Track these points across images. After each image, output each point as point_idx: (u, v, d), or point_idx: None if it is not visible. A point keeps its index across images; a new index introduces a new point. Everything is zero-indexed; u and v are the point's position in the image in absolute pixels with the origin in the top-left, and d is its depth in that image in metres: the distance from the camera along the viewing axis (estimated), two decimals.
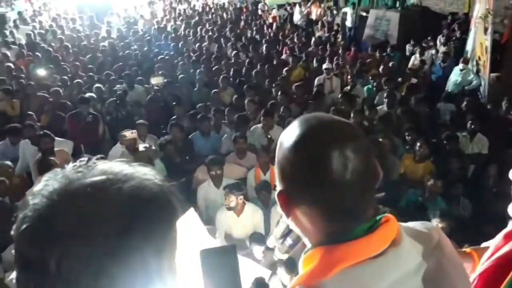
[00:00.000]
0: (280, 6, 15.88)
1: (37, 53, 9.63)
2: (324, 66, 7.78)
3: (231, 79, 7.68)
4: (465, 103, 6.14)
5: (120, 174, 0.59)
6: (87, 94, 6.58)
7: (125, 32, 12.40)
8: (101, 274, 0.53)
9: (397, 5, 11.72)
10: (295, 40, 11.11)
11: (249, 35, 11.98)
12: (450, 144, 4.97)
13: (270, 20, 14.54)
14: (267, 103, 6.18)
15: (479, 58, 7.38)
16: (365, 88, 7.46)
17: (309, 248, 0.80)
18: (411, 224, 0.88)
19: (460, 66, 7.48)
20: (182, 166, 5.05)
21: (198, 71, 7.94)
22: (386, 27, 11.14)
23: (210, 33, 11.75)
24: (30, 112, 6.16)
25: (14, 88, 7.23)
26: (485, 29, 7.08)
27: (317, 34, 12.28)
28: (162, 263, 0.59)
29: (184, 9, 16.68)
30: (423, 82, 7.78)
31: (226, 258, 0.86)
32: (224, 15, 15.74)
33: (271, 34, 12.19)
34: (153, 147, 4.82)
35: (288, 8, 15.70)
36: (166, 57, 9.21)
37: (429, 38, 9.67)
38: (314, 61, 8.80)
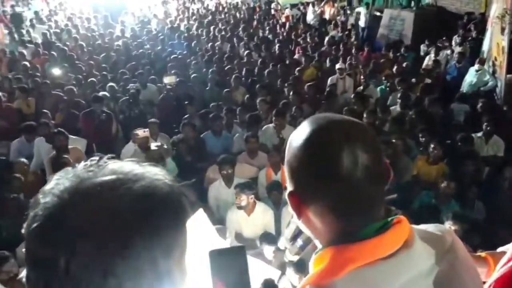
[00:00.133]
0: (293, 6, 15.83)
1: (52, 52, 9.76)
2: (337, 66, 7.74)
3: (243, 78, 7.69)
4: (480, 104, 6.04)
5: (131, 174, 0.59)
6: (101, 93, 6.64)
7: (138, 31, 12.50)
8: (109, 274, 0.53)
9: (412, 4, 11.59)
10: (308, 39, 11.07)
11: (261, 34, 11.96)
12: (464, 146, 4.89)
13: (283, 20, 14.51)
14: (279, 103, 6.17)
15: (496, 59, 7.26)
16: (379, 88, 7.40)
17: (320, 248, 0.80)
18: (423, 226, 0.87)
19: (476, 66, 7.36)
20: (193, 165, 5.07)
21: (210, 70, 7.97)
22: (400, 27, 11.03)
23: (223, 33, 11.78)
24: (45, 110, 6.24)
25: (29, 87, 7.34)
26: (502, 29, 6.96)
27: (331, 33, 12.21)
28: (172, 264, 0.58)
29: (198, 9, 16.75)
30: (436, 83, 7.68)
31: (235, 259, 0.85)
32: (237, 14, 15.76)
33: (284, 34, 12.16)
34: (165, 146, 4.85)
35: (301, 7, 15.65)
36: (179, 57, 9.25)
37: (444, 38, 9.53)
38: (327, 61, 8.75)
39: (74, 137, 5.18)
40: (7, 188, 4.26)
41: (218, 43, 10.82)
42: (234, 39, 11.22)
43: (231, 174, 4.34)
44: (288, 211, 0.83)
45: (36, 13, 14.50)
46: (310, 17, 14.49)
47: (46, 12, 15.62)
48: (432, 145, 4.68)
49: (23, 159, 4.92)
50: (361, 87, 7.42)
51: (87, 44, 10.69)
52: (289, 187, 0.80)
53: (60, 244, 0.53)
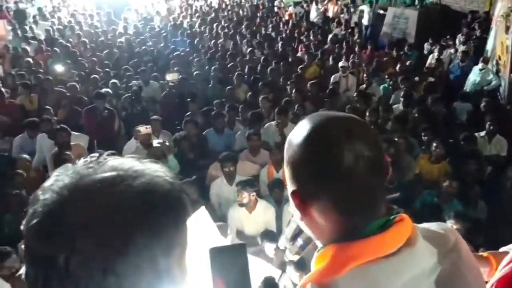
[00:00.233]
0: (296, 4, 15.79)
1: (55, 49, 9.78)
2: (340, 64, 7.72)
3: (245, 76, 7.68)
4: (484, 103, 6.01)
5: (131, 171, 0.59)
6: (103, 90, 6.65)
7: (141, 28, 12.49)
8: (108, 272, 0.53)
9: (416, 3, 11.53)
10: (311, 37, 11.04)
11: (263, 32, 11.92)
12: (467, 145, 4.87)
13: (286, 17, 14.47)
14: (281, 101, 6.16)
15: (500, 58, 7.22)
16: (381, 87, 7.38)
17: (321, 247, 0.80)
18: (426, 225, 0.87)
19: (480, 65, 7.32)
20: (195, 162, 5.08)
21: (213, 68, 7.96)
22: (404, 25, 10.98)
23: (226, 30, 11.76)
24: (47, 107, 6.26)
25: (32, 83, 7.35)
26: (507, 28, 6.92)
27: (334, 31, 12.17)
28: (172, 262, 0.58)
29: (201, 6, 16.72)
30: (439, 82, 7.65)
31: (236, 257, 0.85)
32: (240, 12, 15.73)
33: (287, 32, 12.13)
34: (167, 143, 4.85)
35: (305, 5, 15.60)
36: (182, 54, 9.25)
37: (448, 37, 9.49)
38: (330, 59, 8.73)
39: (76, 133, 5.19)
40: (9, 184, 4.28)
41: (220, 40, 10.80)
42: (237, 36, 11.20)
43: (233, 172, 4.34)
44: (289, 210, 0.83)
45: (39, 9, 14.51)
46: (313, 15, 14.45)
47: (50, 8, 15.63)
48: (434, 144, 4.67)
49: (26, 156, 4.93)
50: (364, 86, 7.40)
51: (90, 41, 10.70)
52: (291, 187, 0.80)
53: (59, 241, 0.53)
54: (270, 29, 12.45)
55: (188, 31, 11.76)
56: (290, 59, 8.92)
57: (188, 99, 6.35)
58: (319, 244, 0.82)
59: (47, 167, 4.96)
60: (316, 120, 0.79)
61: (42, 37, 11.39)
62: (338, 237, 0.76)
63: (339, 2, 14.88)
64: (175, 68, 7.80)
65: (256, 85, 7.13)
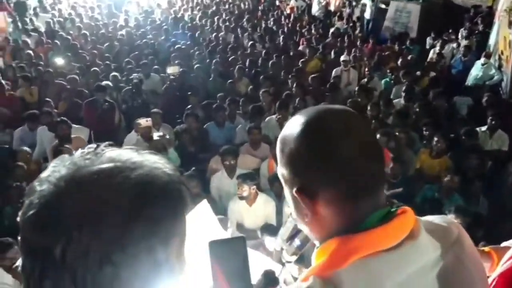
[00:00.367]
0: None
1: (56, 41, 9.74)
2: (342, 58, 7.69)
3: (247, 69, 7.65)
4: (485, 98, 6.00)
5: (129, 162, 0.58)
6: (104, 82, 6.63)
7: (142, 21, 12.44)
8: (105, 263, 0.53)
9: None
10: (313, 31, 10.99)
11: (263, 25, 11.85)
12: (469, 140, 4.86)
13: (288, 11, 14.40)
14: (282, 95, 6.14)
15: (502, 53, 7.19)
16: (383, 81, 7.35)
17: (322, 242, 0.79)
18: (429, 217, 0.86)
19: (482, 60, 7.29)
20: (196, 156, 5.08)
21: (214, 61, 7.93)
22: (406, 19, 10.93)
23: (227, 23, 11.71)
24: (48, 99, 6.25)
25: (33, 75, 7.34)
26: (510, 23, 6.89)
27: (336, 25, 12.12)
28: (170, 253, 0.58)
29: None
30: (441, 76, 7.62)
31: (235, 250, 0.85)
32: (242, 5, 15.66)
33: (289, 25, 12.08)
34: (167, 136, 4.84)
35: None
36: (183, 47, 9.21)
37: (450, 31, 9.44)
38: (332, 53, 8.69)
39: (77, 126, 5.19)
40: (10, 176, 4.28)
41: (222, 33, 10.76)
42: (238, 29, 11.15)
43: (233, 165, 4.34)
44: (286, 211, 0.82)
45: (39, 1, 14.45)
46: (315, 9, 14.38)
47: (50, 0, 15.55)
48: (435, 139, 4.66)
49: (26, 148, 4.93)
50: (365, 80, 7.37)
51: (91, 34, 10.65)
52: (294, 185, 0.78)
53: (56, 232, 0.53)
54: (271, 23, 12.39)
55: (189, 24, 11.71)
56: (291, 53, 8.89)
57: (189, 93, 6.33)
58: (317, 243, 0.81)
59: (48, 159, 4.96)
60: (310, 114, 0.79)
61: (42, 29, 11.34)
62: (341, 229, 0.75)
63: None
64: (176, 61, 7.77)
65: (257, 79, 7.11)
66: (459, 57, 8.16)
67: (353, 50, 8.72)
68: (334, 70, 7.59)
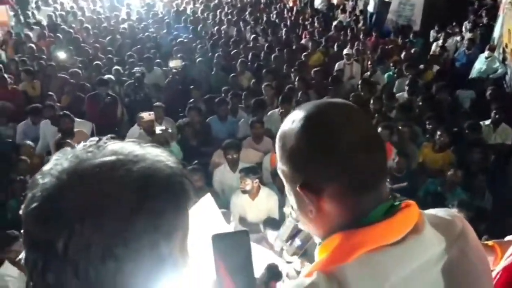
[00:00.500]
0: None
1: (58, 35, 9.73)
2: (345, 51, 7.65)
3: (249, 63, 7.63)
4: (489, 91, 5.96)
5: (131, 155, 0.58)
6: (106, 76, 6.63)
7: (144, 14, 12.40)
8: (108, 256, 0.53)
9: None
10: (316, 24, 10.92)
11: (265, 18, 11.78)
12: (472, 134, 4.84)
13: (291, 4, 14.32)
14: (285, 88, 6.12)
15: (506, 46, 7.14)
16: (386, 74, 7.32)
17: (325, 237, 0.78)
18: (433, 211, 0.85)
19: (486, 53, 7.24)
20: (198, 149, 5.08)
21: (216, 55, 7.91)
22: (409, 12, 10.85)
23: (230, 17, 11.66)
24: (50, 93, 6.25)
25: (35, 69, 7.33)
26: None
27: (339, 18, 12.04)
28: (173, 246, 0.58)
29: None
30: (444, 69, 7.58)
31: (238, 243, 0.85)
32: None
33: (291, 18, 12.01)
34: (169, 130, 4.84)
35: None
36: (185, 40, 9.18)
37: (454, 24, 9.37)
38: (335, 46, 8.65)
39: (79, 120, 5.19)
40: (13, 170, 4.30)
41: (224, 27, 10.71)
42: (241, 23, 11.10)
43: (236, 159, 4.34)
44: (285, 211, 0.82)
45: None
46: (318, 2, 14.28)
47: None
48: (438, 132, 4.64)
49: (29, 142, 4.94)
50: (368, 73, 7.34)
51: (93, 27, 10.62)
52: (297, 181, 0.77)
53: (58, 225, 0.52)
54: (274, 16, 12.33)
55: (191, 18, 11.66)
56: (294, 46, 8.85)
57: (191, 86, 6.32)
58: (318, 240, 0.81)
59: (51, 153, 4.97)
60: (310, 109, 0.79)
61: (44, 22, 11.31)
62: (345, 224, 0.75)
63: None
64: (178, 55, 7.75)
65: (259, 72, 7.08)
66: (462, 50, 8.11)
67: (356, 43, 8.68)
68: (337, 63, 7.56)
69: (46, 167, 0.58)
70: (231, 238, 0.87)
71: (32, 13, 12.33)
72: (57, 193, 0.54)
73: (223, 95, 6.06)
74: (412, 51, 8.24)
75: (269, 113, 5.49)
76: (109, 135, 0.62)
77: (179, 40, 9.12)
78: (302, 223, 0.84)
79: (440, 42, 8.75)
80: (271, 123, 5.31)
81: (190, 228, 0.63)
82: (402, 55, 7.89)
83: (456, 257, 0.76)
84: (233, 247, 0.85)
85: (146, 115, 4.78)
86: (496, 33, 7.59)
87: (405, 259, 0.72)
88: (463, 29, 9.21)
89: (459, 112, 5.81)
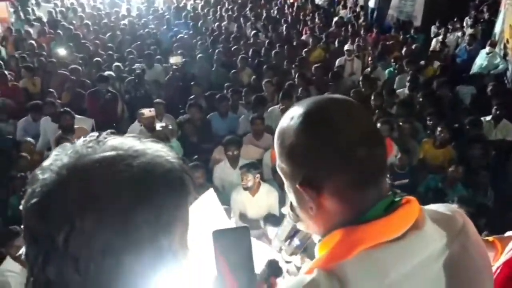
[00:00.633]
0: None
1: (58, 31, 9.71)
2: (346, 47, 7.63)
3: (249, 59, 7.61)
4: (490, 87, 5.95)
5: (131, 150, 0.58)
6: (106, 73, 6.62)
7: (144, 10, 12.37)
8: (108, 251, 0.53)
9: None
10: (316, 20, 10.89)
11: (265, 14, 11.74)
12: (473, 130, 4.83)
13: (291, 0, 14.26)
14: (285, 84, 6.11)
15: (508, 41, 7.12)
16: (387, 70, 7.30)
17: (325, 234, 0.78)
18: (434, 206, 0.85)
19: (487, 49, 7.22)
20: (199, 146, 5.08)
21: (216, 51, 7.89)
22: (410, 8, 10.81)
23: (230, 13, 11.62)
24: (51, 90, 6.24)
25: (35, 66, 7.32)
26: None
27: (340, 14, 12.01)
28: (173, 241, 0.58)
29: None
30: (445, 65, 7.55)
31: (239, 239, 0.85)
32: None
33: (292, 14, 11.98)
34: (170, 127, 4.84)
35: None
36: (185, 37, 9.16)
37: (455, 20, 9.34)
38: (336, 42, 8.62)
39: (80, 116, 5.19)
40: (14, 167, 4.30)
41: (224, 23, 10.68)
42: (241, 19, 11.07)
43: (236, 155, 4.34)
44: (283, 211, 0.81)
45: None
46: None
47: None
48: (439, 128, 4.63)
49: (30, 139, 4.94)
50: (369, 69, 7.32)
51: (93, 23, 10.61)
52: (297, 178, 0.77)
53: (58, 220, 0.53)
54: (274, 12, 12.29)
55: (192, 14, 11.63)
56: (294, 43, 8.82)
57: (192, 83, 6.31)
58: (317, 238, 0.80)
59: (51, 150, 4.97)
60: (308, 105, 0.78)
61: (45, 19, 11.29)
62: (345, 221, 0.75)
63: None
64: (179, 51, 7.73)
65: (260, 69, 7.07)
66: (464, 46, 8.08)
67: (357, 39, 8.65)
68: (338, 59, 7.54)
69: (46, 163, 0.58)
70: (231, 234, 0.87)
71: (32, 9, 12.30)
72: (57, 188, 0.54)
73: (225, 91, 6.06)
74: (413, 47, 8.21)
75: (270, 109, 5.49)
76: (109, 131, 0.62)
77: (179, 36, 9.10)
78: (302, 220, 0.83)
79: (440, 38, 8.72)
80: (272, 119, 5.30)
81: (192, 223, 0.63)
82: (403, 51, 7.87)
83: (457, 253, 0.76)
84: (233, 243, 0.85)
85: (147, 112, 4.77)
86: (497, 29, 7.56)
87: (406, 255, 0.72)
88: (464, 24, 9.18)
89: (460, 108, 5.80)
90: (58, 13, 11.96)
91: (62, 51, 8.17)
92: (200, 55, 7.81)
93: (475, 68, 7.33)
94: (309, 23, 10.76)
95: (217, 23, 10.57)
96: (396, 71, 7.15)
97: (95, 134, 0.61)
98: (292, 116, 0.78)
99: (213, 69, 7.49)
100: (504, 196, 4.16)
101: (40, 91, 6.77)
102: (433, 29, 9.61)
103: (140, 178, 0.56)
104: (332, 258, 0.72)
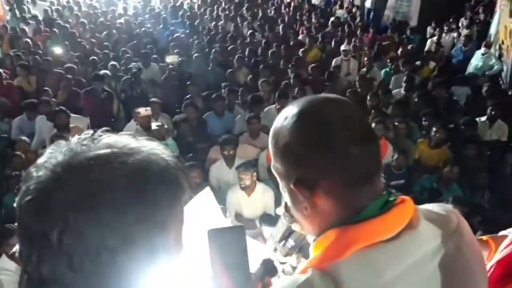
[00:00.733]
0: None
1: (54, 29, 9.66)
2: (342, 47, 7.64)
3: (246, 59, 7.61)
4: (485, 88, 5.98)
5: (126, 148, 0.58)
6: (102, 71, 6.59)
7: (141, 9, 12.33)
8: (102, 249, 0.53)
9: None
10: (313, 20, 10.90)
11: (261, 14, 11.74)
12: (468, 130, 4.86)
13: (288, 0, 14.27)
14: (282, 84, 6.12)
15: (503, 42, 7.16)
16: (383, 71, 7.32)
17: (320, 233, 0.78)
18: (428, 206, 0.85)
19: (482, 50, 7.26)
20: (195, 145, 5.07)
21: (213, 50, 7.88)
22: (407, 8, 10.86)
23: (227, 12, 11.61)
24: (46, 88, 6.21)
25: (30, 64, 7.29)
26: (511, 12, 6.84)
27: (336, 14, 12.03)
28: (167, 239, 0.58)
29: None
30: (442, 65, 7.59)
31: (234, 238, 0.85)
32: None
33: (289, 14, 11.99)
34: (165, 126, 4.83)
35: None
36: (181, 36, 9.14)
37: (451, 20, 9.38)
38: (333, 42, 8.64)
39: (75, 115, 5.17)
40: (8, 166, 4.28)
41: (221, 22, 10.67)
42: (238, 18, 11.06)
43: (233, 155, 4.34)
44: (278, 211, 0.82)
45: None
46: None
47: None
48: (434, 129, 4.65)
49: (25, 137, 4.91)
50: (365, 69, 7.35)
51: (89, 22, 10.56)
52: (292, 178, 0.77)
53: (52, 218, 0.53)
54: (271, 12, 12.29)
55: (188, 13, 11.61)
56: (291, 42, 8.83)
57: (188, 82, 6.29)
58: (311, 238, 0.80)
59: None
60: (302, 105, 0.78)
61: (40, 17, 11.23)
62: (339, 220, 0.75)
63: None
64: (175, 51, 7.72)
65: (256, 68, 7.07)
66: (459, 47, 8.12)
67: (353, 39, 8.67)
68: (334, 59, 7.55)
69: (40, 160, 0.58)
70: (227, 233, 0.87)
71: (28, 7, 12.23)
72: (52, 186, 0.54)
73: (223, 91, 6.05)
74: (409, 47, 8.24)
75: (266, 109, 5.49)
76: (104, 128, 0.62)
77: (176, 35, 9.09)
78: (297, 220, 0.83)
79: (435, 38, 8.76)
80: (268, 119, 5.30)
81: (187, 221, 0.63)
82: (399, 52, 7.90)
83: (452, 252, 0.76)
84: (229, 242, 0.85)
85: (143, 111, 4.76)
86: (492, 30, 7.61)
87: (400, 255, 0.72)
88: (460, 25, 9.22)
89: (455, 108, 5.83)
90: (54, 11, 11.89)
91: (57, 50, 8.13)
92: (196, 54, 7.79)
93: (470, 68, 7.37)
94: (305, 23, 10.77)
95: (213, 23, 10.56)
96: (392, 71, 7.17)
97: (90, 132, 0.61)
98: (286, 115, 0.78)
99: (209, 68, 7.48)
100: (499, 196, 4.19)
101: (36, 89, 6.73)
102: (429, 29, 9.65)
103: (134, 176, 0.56)
104: (326, 258, 0.72)
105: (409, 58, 7.36)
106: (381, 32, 10.28)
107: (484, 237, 1.18)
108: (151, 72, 7.30)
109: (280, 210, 0.94)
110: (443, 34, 9.09)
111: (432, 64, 7.39)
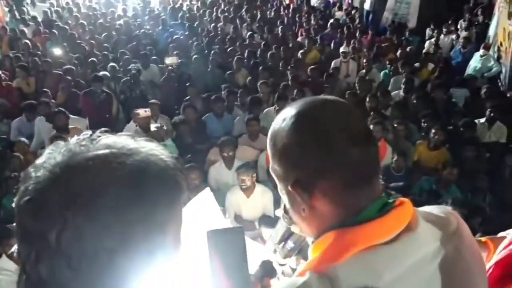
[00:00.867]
0: None
1: (53, 31, 9.66)
2: (341, 49, 7.65)
3: (245, 60, 7.61)
4: (484, 90, 5.99)
5: (125, 149, 0.58)
6: (101, 73, 6.59)
7: (140, 11, 12.35)
8: (101, 249, 0.53)
9: None
10: (312, 22, 10.92)
11: (260, 15, 11.75)
12: (466, 132, 4.86)
13: (287, 1, 14.29)
14: (281, 86, 6.12)
15: (501, 44, 7.18)
16: (382, 72, 7.33)
17: (319, 235, 0.77)
18: (427, 208, 0.84)
19: (481, 52, 7.27)
20: (194, 147, 5.07)
21: (212, 52, 7.89)
22: (405, 10, 10.88)
23: (226, 14, 11.62)
24: (45, 89, 6.21)
25: (30, 65, 7.29)
26: (510, 14, 6.86)
27: (336, 16, 12.05)
28: (166, 238, 0.58)
29: None
30: (442, 67, 7.60)
31: (233, 240, 0.85)
32: None
33: (288, 16, 12.01)
34: (164, 127, 4.83)
35: None
36: (181, 37, 9.15)
37: (450, 22, 9.41)
38: (332, 44, 8.65)
39: (75, 117, 5.17)
40: (7, 167, 4.27)
41: (220, 24, 10.68)
42: (237, 20, 11.07)
43: (232, 156, 4.34)
44: (277, 213, 0.82)
45: None
46: None
47: None
48: (433, 131, 4.65)
49: (24, 139, 4.91)
50: (364, 71, 7.36)
51: (89, 23, 10.57)
52: (290, 179, 0.77)
53: (51, 218, 0.53)
54: (271, 13, 12.31)
55: (187, 15, 11.62)
56: (290, 44, 8.84)
57: (187, 84, 6.30)
58: (310, 240, 0.80)
59: None
60: (301, 106, 0.78)
61: (39, 18, 11.24)
62: (338, 222, 0.74)
63: None
64: (174, 52, 7.72)
65: (255, 70, 7.07)
66: (458, 49, 8.13)
67: (352, 41, 8.69)
68: (333, 61, 7.56)
69: (39, 161, 0.58)
70: (226, 234, 0.87)
71: (27, 9, 12.24)
72: (50, 186, 0.54)
73: (222, 92, 6.05)
74: (408, 49, 8.26)
75: (265, 110, 5.49)
76: (102, 129, 0.62)
77: (175, 37, 9.10)
78: (296, 222, 0.83)
79: (433, 40, 8.78)
80: (267, 120, 5.31)
81: (186, 222, 0.63)
82: (398, 53, 7.91)
83: (452, 254, 0.76)
84: (228, 243, 0.85)
85: (142, 112, 4.76)
86: (491, 32, 7.62)
87: (399, 257, 0.71)
88: (459, 27, 9.24)
89: (454, 110, 5.83)
90: (53, 12, 11.91)
91: (57, 51, 8.13)
92: (195, 56, 7.80)
93: (469, 70, 7.38)
94: (304, 24, 10.78)
95: (213, 24, 10.57)
96: (391, 73, 7.18)
97: (89, 132, 0.61)
98: (284, 117, 0.78)
99: (208, 70, 7.48)
100: (498, 198, 4.19)
101: (35, 91, 6.73)
102: (428, 31, 9.66)
103: (133, 177, 0.56)
104: (325, 260, 0.71)
105: (408, 60, 7.37)
106: (380, 34, 10.29)
107: (483, 239, 1.18)
108: (150, 73, 7.31)
109: (280, 212, 0.93)
110: (442, 36, 9.11)
111: (431, 66, 7.39)
